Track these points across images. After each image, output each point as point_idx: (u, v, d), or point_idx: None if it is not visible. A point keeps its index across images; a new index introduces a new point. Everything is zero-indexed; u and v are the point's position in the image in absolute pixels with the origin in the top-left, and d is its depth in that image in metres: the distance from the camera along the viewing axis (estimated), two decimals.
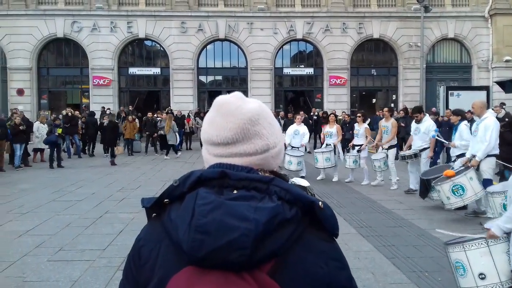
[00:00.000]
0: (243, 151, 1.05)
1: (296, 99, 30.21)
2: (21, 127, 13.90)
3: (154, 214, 1.05)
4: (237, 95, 1.11)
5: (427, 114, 10.02)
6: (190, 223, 0.91)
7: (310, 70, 28.21)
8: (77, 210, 7.86)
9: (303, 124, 11.85)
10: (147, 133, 18.11)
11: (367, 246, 5.76)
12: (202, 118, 20.30)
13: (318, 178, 11.17)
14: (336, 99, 26.91)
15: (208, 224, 0.90)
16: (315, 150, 11.33)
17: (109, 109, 24.20)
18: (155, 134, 17.88)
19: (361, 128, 10.84)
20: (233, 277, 0.89)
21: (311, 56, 28.50)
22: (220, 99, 1.10)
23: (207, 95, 28.99)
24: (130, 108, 24.77)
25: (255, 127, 1.06)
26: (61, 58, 27.91)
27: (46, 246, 5.76)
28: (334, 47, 26.93)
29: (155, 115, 19.36)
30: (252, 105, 1.08)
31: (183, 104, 25.64)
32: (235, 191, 0.97)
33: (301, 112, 15.86)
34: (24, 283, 4.52)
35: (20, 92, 25.89)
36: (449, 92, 20.77)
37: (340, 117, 17.32)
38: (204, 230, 0.90)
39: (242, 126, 1.04)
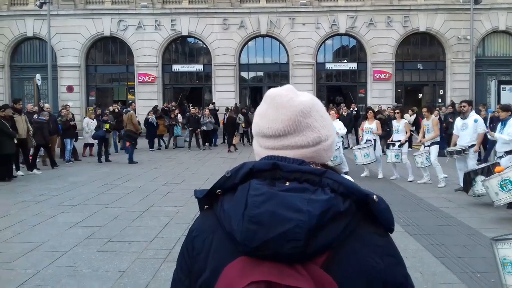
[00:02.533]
0: (294, 143, 1.04)
1: (338, 94, 29.79)
2: (71, 123, 14.47)
3: (206, 205, 1.06)
4: (289, 87, 1.11)
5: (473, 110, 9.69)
6: (244, 214, 0.92)
7: (353, 65, 27.77)
8: (124, 203, 8.09)
9: (338, 119, 11.70)
10: (190, 128, 18.37)
11: (414, 244, 5.60)
12: (243, 114, 20.40)
13: (363, 175, 10.98)
14: (380, 94, 26.36)
15: (261, 215, 0.90)
16: (353, 148, 11.13)
17: (156, 106, 24.74)
18: (198, 130, 18.16)
19: (400, 124, 10.69)
20: (287, 269, 0.88)
21: (354, 51, 28.03)
22: (271, 92, 1.10)
23: (248, 91, 29.15)
24: (173, 104, 25.21)
25: (306, 119, 1.05)
26: (108, 56, 28.80)
27: (96, 237, 5.96)
28: (378, 41, 26.36)
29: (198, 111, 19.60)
30: (304, 98, 1.08)
31: (225, 100, 25.86)
32: (287, 183, 0.97)
33: (331, 105, 15.65)
34: (76, 273, 4.68)
35: (70, 89, 26.94)
36: (501, 86, 19.88)
37: (386, 113, 16.94)
38: (257, 220, 0.90)
39: (293, 119, 1.04)
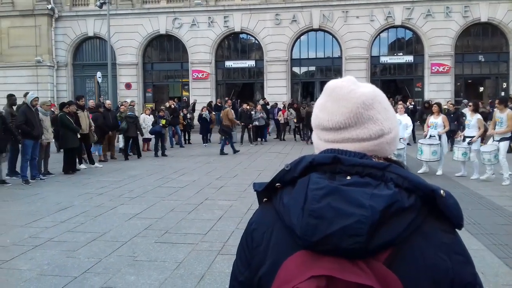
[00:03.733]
0: (355, 136, 1.01)
1: (393, 88, 28.97)
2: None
3: (265, 198, 1.06)
4: (349, 79, 1.08)
5: None
6: (304, 208, 0.91)
7: (409, 58, 26.89)
8: (180, 196, 8.31)
9: (406, 114, 11.27)
10: (242, 124, 18.56)
11: (475, 244, 5.36)
12: (295, 110, 20.34)
13: (420, 171, 10.62)
14: (438, 88, 25.37)
15: (322, 209, 0.89)
16: (420, 141, 10.64)
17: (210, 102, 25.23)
18: (250, 125, 18.31)
19: (473, 119, 10.06)
20: (348, 264, 0.87)
21: (410, 43, 27.14)
22: (331, 84, 1.08)
23: (300, 86, 28.98)
24: (226, 100, 25.55)
25: (369, 111, 1.02)
26: (164, 54, 29.61)
27: (153, 228, 6.17)
28: (436, 33, 25.35)
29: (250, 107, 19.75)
30: (366, 89, 1.05)
31: (277, 96, 25.88)
32: (348, 177, 0.94)
33: (400, 101, 15.21)
34: (135, 262, 4.87)
35: (128, 86, 27.98)
36: None
37: (445, 107, 16.25)
38: (318, 215, 0.89)
39: (355, 111, 1.01)
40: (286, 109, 20.95)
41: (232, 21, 27.57)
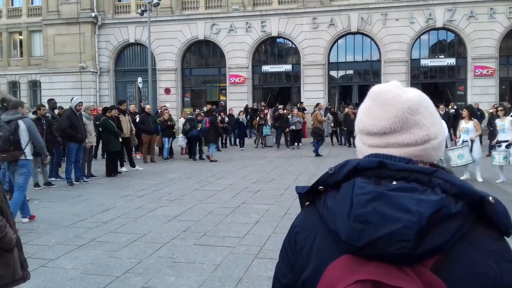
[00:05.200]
0: (401, 141, 1.01)
1: (434, 92, 28.23)
2: (169, 123, 15.35)
3: (307, 202, 1.06)
4: (395, 84, 1.07)
5: None
6: (349, 213, 0.91)
7: (451, 61, 26.15)
8: (217, 199, 8.42)
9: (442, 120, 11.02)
10: (279, 128, 18.58)
11: None
12: (332, 113, 20.18)
13: (462, 178, 10.32)
14: (482, 91, 24.52)
15: (367, 214, 0.89)
16: (446, 149, 10.45)
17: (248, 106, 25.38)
18: (287, 129, 18.30)
19: (505, 122, 9.81)
20: (394, 270, 0.86)
21: (452, 46, 26.40)
22: (376, 88, 1.07)
23: (337, 90, 28.71)
24: (262, 104, 25.67)
25: (414, 116, 1.01)
26: (202, 59, 30.07)
27: (192, 231, 6.27)
28: (479, 35, 24.54)
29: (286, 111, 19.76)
30: (412, 94, 1.04)
31: (314, 100, 25.73)
32: (394, 182, 0.94)
33: (441, 106, 14.81)
34: (174, 263, 4.97)
35: (167, 91, 28.59)
36: None
37: (491, 110, 15.69)
38: (363, 220, 0.89)
39: (400, 115, 1.00)
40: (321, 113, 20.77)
41: (269, 26, 27.68)
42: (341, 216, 0.92)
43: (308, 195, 1.06)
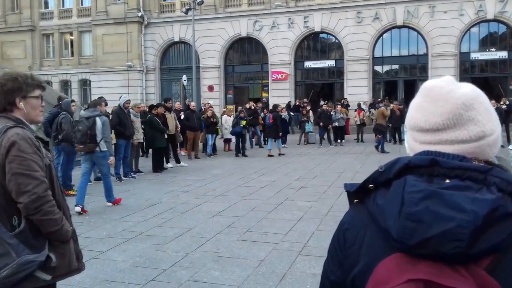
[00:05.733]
0: (454, 138, 0.99)
1: (485, 86, 27.08)
2: (212, 119, 15.57)
3: (356, 199, 1.06)
4: (448, 79, 1.05)
5: None
6: (401, 211, 0.90)
7: (503, 54, 25.03)
8: (260, 195, 8.48)
9: None
10: (321, 124, 18.42)
11: None
12: (376, 109, 19.79)
13: None
14: None
15: (420, 213, 0.88)
16: (509, 147, 9.96)
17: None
18: (330, 126, 18.12)
19: None
20: (447, 269, 0.85)
21: (504, 38, 25.26)
22: (429, 84, 1.06)
23: (382, 85, 28.13)
24: (305, 101, 25.52)
25: (469, 112, 0.99)
26: (244, 56, 30.26)
27: (236, 226, 6.37)
28: None
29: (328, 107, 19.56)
30: (466, 89, 1.02)
31: (358, 96, 25.36)
32: (447, 180, 0.92)
33: (492, 101, 14.17)
34: (219, 258, 5.07)
35: (211, 88, 28.99)
36: None
37: None
38: (416, 218, 0.88)
39: (454, 111, 0.98)
40: (367, 109, 20.43)
41: (312, 21, 27.47)
42: (392, 214, 0.92)
43: (357, 193, 1.06)
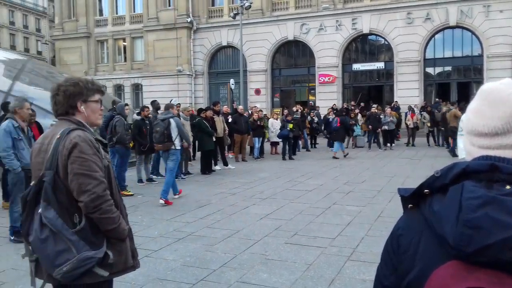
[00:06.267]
0: None
1: None
2: (258, 122, 15.66)
3: (410, 204, 1.05)
4: (507, 81, 1.03)
5: None
6: (458, 217, 0.88)
7: None
8: (307, 199, 8.43)
9: None
10: (370, 127, 18.09)
11: None
12: (428, 113, 19.19)
13: None
14: None
15: (478, 220, 0.86)
16: None
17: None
18: (379, 129, 17.76)
19: None
20: (507, 279, 0.83)
21: None
22: (487, 87, 1.03)
23: (434, 87, 27.24)
24: (352, 104, 25.16)
25: None
26: (291, 59, 30.25)
27: (283, 229, 6.36)
28: None
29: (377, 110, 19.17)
30: None
31: (408, 98, 24.69)
32: (507, 187, 0.90)
33: None
34: (267, 260, 5.09)
35: (257, 91, 29.16)
36: None
37: None
38: (473, 225, 0.86)
39: None
40: (418, 112, 19.84)
41: (360, 23, 27.06)
42: (449, 220, 0.90)
43: (411, 198, 1.04)
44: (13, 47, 50.27)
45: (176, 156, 8.48)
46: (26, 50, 52.49)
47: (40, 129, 7.56)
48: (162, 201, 8.07)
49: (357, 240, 5.78)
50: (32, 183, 2.40)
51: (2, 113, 8.05)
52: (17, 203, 5.84)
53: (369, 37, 28.09)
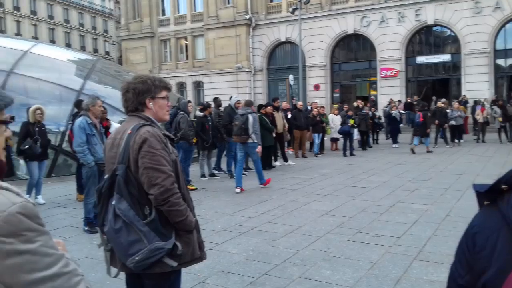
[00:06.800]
0: None
1: None
2: (318, 118, 15.49)
3: (487, 201, 1.01)
4: None
5: None
6: None
7: None
8: (370, 196, 8.23)
9: None
10: (436, 123, 17.33)
11: None
12: (500, 107, 18.10)
13: None
14: None
15: None
16: None
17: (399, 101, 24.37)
18: (446, 125, 16.99)
19: None
20: None
21: None
22: None
23: (506, 80, 25.63)
24: (415, 98, 24.25)
25: None
26: (351, 53, 29.65)
27: (346, 226, 6.25)
28: None
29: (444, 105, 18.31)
30: None
31: (477, 92, 23.41)
32: None
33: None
34: (330, 257, 5.02)
35: (316, 87, 28.89)
36: None
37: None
38: None
39: None
40: (488, 106, 18.74)
41: (425, 14, 25.99)
42: None
43: (488, 194, 1.00)
44: (83, 48, 53.16)
45: (255, 148, 9.25)
46: (95, 50, 55.30)
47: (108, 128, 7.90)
48: (261, 185, 9.41)
49: (424, 239, 5.56)
50: (106, 176, 2.52)
51: (75, 110, 8.54)
52: (91, 195, 6.19)
53: (434, 28, 26.91)
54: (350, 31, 28.32)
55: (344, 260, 4.94)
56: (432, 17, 25.87)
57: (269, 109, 12.54)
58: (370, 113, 18.63)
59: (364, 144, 16.70)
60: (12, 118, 1.19)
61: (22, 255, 0.96)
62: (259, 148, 9.27)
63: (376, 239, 5.67)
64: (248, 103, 9.75)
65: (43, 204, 8.15)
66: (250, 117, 9.11)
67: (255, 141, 9.16)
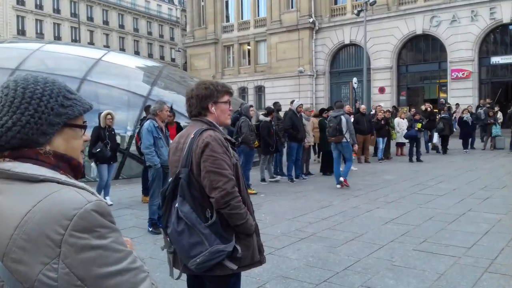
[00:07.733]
0: None
1: None
2: (383, 122, 15.06)
3: None
4: None
5: None
6: None
7: None
8: (438, 204, 7.86)
9: None
10: None
11: None
12: None
13: None
14: None
15: None
16: None
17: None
18: None
19: None
20: None
21: None
22: None
23: None
24: (488, 101, 22.86)
25: None
26: (419, 55, 28.58)
27: (411, 235, 6.01)
28: None
29: None
30: None
31: None
32: None
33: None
34: (393, 267, 4.85)
35: (381, 90, 28.11)
36: None
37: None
38: None
39: None
40: None
41: (500, 12, 24.51)
42: None
43: None
44: (150, 55, 55.43)
45: (350, 148, 9.91)
46: (162, 57, 57.48)
47: (179, 129, 8.18)
48: (342, 179, 9.73)
49: (496, 251, 5.22)
50: (170, 179, 2.61)
51: (144, 115, 8.93)
52: (155, 197, 6.42)
53: (510, 27, 25.26)
54: (419, 32, 27.31)
55: (409, 270, 4.75)
56: (508, 15, 24.32)
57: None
58: (438, 117, 17.83)
59: (445, 149, 16.48)
60: (84, 123, 1.28)
61: (95, 250, 1.02)
62: (355, 147, 10.22)
63: (443, 249, 5.41)
64: (340, 105, 10.42)
65: (111, 205, 8.57)
66: (343, 118, 9.71)
67: (349, 140, 9.76)
